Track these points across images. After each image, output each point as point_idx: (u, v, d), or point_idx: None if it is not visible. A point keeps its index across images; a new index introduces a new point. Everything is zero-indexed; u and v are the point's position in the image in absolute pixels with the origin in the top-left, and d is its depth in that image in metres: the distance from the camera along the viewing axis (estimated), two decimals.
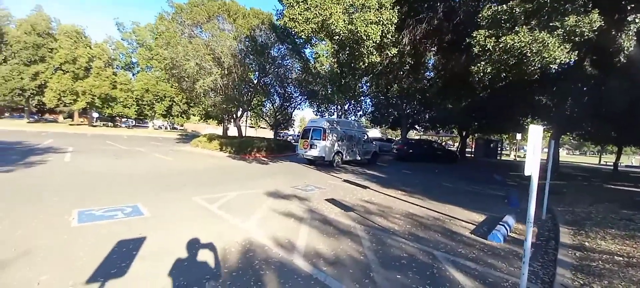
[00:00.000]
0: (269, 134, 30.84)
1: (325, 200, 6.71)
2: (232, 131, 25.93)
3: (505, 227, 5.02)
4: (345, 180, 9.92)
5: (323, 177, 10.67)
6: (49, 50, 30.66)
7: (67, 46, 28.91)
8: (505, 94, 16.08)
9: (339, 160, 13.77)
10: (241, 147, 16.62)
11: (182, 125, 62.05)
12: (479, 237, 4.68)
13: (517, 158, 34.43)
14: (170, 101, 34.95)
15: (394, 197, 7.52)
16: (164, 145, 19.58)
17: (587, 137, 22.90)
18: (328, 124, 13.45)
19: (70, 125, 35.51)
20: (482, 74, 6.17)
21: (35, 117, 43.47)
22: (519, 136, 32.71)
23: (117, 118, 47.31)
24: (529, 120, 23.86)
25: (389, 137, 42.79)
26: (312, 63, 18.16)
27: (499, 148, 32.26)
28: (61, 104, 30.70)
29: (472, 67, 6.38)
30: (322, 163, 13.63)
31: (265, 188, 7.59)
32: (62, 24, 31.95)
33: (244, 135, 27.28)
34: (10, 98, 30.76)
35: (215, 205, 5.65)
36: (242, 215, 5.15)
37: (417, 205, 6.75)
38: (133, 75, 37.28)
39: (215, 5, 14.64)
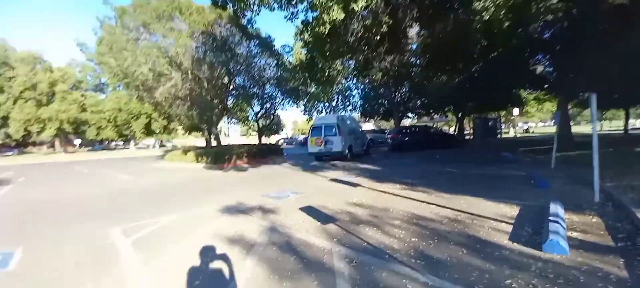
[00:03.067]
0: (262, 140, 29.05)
1: (300, 209, 4.96)
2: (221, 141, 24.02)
3: (559, 224, 3.32)
4: (332, 179, 8.19)
5: (306, 177, 8.97)
6: (8, 79, 28.28)
7: (25, 72, 26.58)
8: (500, 65, 14.49)
9: (348, 153, 13.71)
10: (218, 156, 14.79)
11: (170, 141, 59.70)
12: (526, 247, 2.96)
13: (518, 135, 33.04)
14: (147, 117, 32.70)
15: (392, 194, 5.79)
16: (138, 164, 17.58)
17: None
18: (339, 120, 13.78)
19: (45, 154, 33.24)
20: (486, 14, 4.51)
21: (15, 150, 40.90)
22: (516, 111, 31.40)
23: (105, 142, 44.88)
24: (527, 92, 22.46)
25: (382, 127, 41.26)
26: (286, 58, 16.45)
27: (498, 127, 30.74)
28: (29, 133, 28.36)
29: (476, 2, 4.70)
30: (338, 158, 13.42)
31: (225, 201, 5.81)
32: (19, 51, 29.46)
33: (230, 143, 25.45)
34: None
35: (131, 239, 3.86)
36: (164, 251, 3.37)
37: (422, 202, 5.02)
38: (104, 95, 35.01)
39: (164, 3, 12.76)
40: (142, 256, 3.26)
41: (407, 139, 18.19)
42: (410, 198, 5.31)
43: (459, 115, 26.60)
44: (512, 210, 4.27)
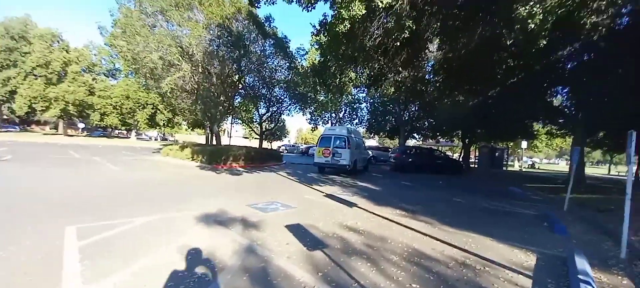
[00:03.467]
0: (263, 144, 28.62)
1: (286, 226, 4.42)
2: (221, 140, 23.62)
3: (591, 286, 2.75)
4: (327, 195, 7.64)
5: (300, 190, 8.40)
6: (22, 54, 28.43)
7: (41, 49, 26.66)
8: (519, 91, 13.96)
9: (351, 169, 13.20)
10: (213, 156, 14.31)
11: (172, 136, 59.54)
12: None
13: (523, 170, 32.20)
14: (152, 108, 32.51)
15: (391, 221, 5.23)
16: (131, 155, 17.20)
17: (605, 143, 20.61)
18: (349, 133, 13.49)
19: (45, 134, 33.11)
20: (532, 23, 4.03)
21: (17, 127, 40.85)
22: (524, 144, 30.61)
23: (109, 129, 44.76)
24: (540, 125, 21.83)
25: (386, 145, 40.72)
26: (299, 60, 16.13)
27: (505, 158, 29.96)
28: (33, 111, 28.22)
29: (521, 8, 4.17)
30: (340, 172, 13.20)
31: (206, 208, 5.29)
32: (39, 27, 29.74)
33: (230, 144, 25.02)
34: None
35: (86, 242, 3.34)
36: (112, 263, 2.84)
37: (424, 234, 4.45)
38: (115, 81, 34.99)
39: None
40: (82, 267, 2.73)
41: (410, 160, 17.60)
42: (411, 228, 4.74)
43: (466, 141, 25.95)
44: (529, 259, 3.68)
